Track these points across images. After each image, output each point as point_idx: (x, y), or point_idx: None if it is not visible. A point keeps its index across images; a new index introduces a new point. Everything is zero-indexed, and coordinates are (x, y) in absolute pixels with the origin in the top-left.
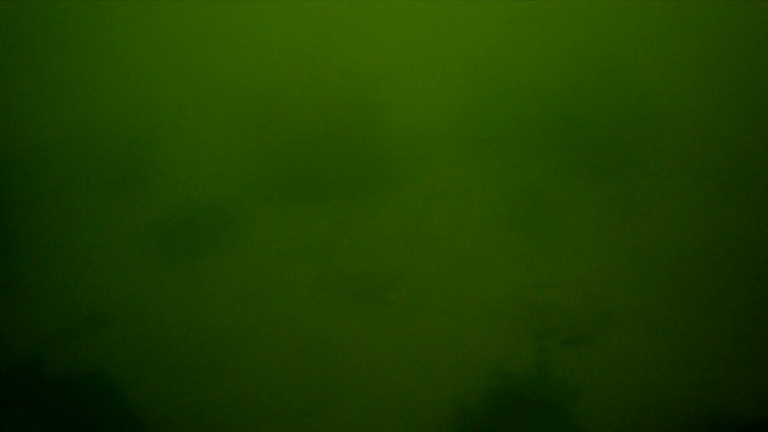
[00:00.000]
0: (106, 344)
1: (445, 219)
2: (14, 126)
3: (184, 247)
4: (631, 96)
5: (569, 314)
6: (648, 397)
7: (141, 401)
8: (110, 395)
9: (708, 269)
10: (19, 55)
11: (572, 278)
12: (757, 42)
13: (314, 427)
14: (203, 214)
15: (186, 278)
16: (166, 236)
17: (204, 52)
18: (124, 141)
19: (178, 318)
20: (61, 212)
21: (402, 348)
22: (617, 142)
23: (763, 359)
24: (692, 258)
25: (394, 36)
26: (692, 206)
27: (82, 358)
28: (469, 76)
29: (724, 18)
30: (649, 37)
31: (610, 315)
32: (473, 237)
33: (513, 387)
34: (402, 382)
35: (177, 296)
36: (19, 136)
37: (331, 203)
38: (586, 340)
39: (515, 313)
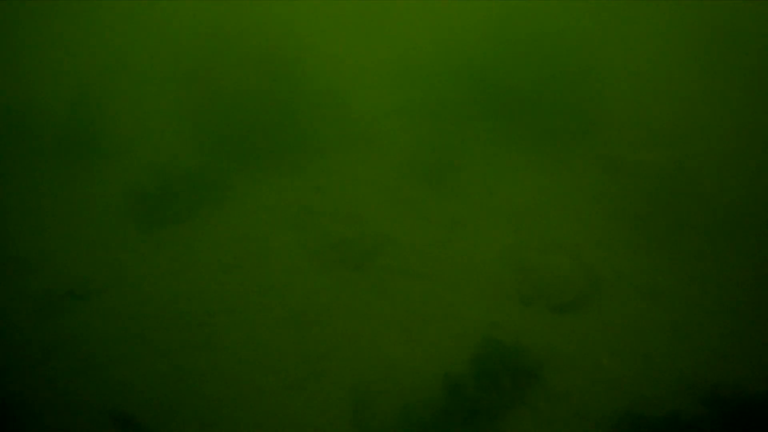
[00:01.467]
0: (85, 320)
1: (424, 181)
2: None
3: (158, 217)
4: (578, 58)
5: (558, 279)
6: (641, 365)
7: (122, 378)
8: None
9: (704, 233)
10: None
11: (561, 241)
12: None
13: (301, 400)
14: (174, 184)
15: (163, 249)
16: (138, 206)
17: (137, 20)
18: (69, 109)
19: (158, 291)
20: (21, 187)
21: (389, 316)
22: (590, 102)
23: (763, 329)
24: (687, 221)
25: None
26: (680, 166)
27: (63, 336)
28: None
29: None
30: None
31: (601, 280)
32: (457, 198)
33: (502, 355)
34: (389, 351)
35: (155, 268)
36: None
37: (304, 166)
38: (577, 307)
39: (503, 278)
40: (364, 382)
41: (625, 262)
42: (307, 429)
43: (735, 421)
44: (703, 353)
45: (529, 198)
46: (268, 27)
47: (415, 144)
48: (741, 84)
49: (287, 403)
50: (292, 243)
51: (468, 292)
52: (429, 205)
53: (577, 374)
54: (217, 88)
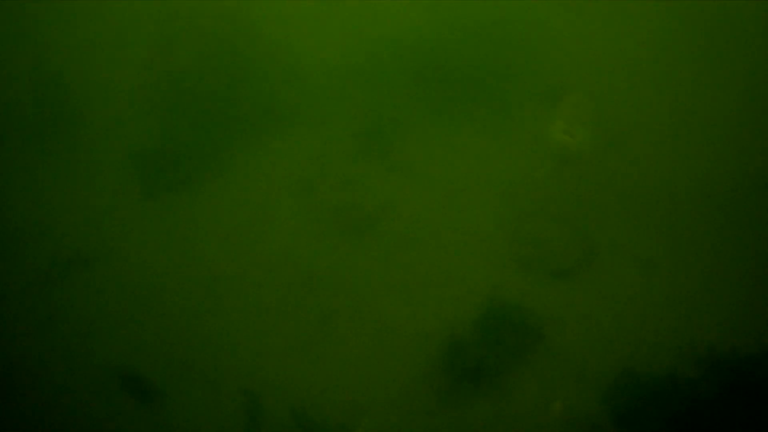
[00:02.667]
0: (91, 285)
1: (421, 148)
2: None
3: (161, 182)
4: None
5: (556, 246)
6: (638, 329)
7: (130, 340)
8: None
9: (697, 203)
10: None
11: (555, 211)
12: None
13: (307, 364)
14: (172, 153)
15: (166, 215)
16: (143, 172)
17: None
18: (56, 78)
19: (163, 256)
20: (19, 155)
21: (393, 280)
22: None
23: (757, 292)
24: (680, 191)
25: None
26: (680, 136)
27: (69, 301)
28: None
29: None
30: None
31: (598, 248)
32: (457, 166)
33: (505, 316)
34: (394, 314)
35: (159, 234)
36: None
37: (301, 132)
38: (575, 273)
39: (503, 243)
40: (369, 343)
41: (620, 232)
42: (312, 389)
43: (730, 383)
44: (699, 319)
45: (523, 167)
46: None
47: (406, 110)
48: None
49: (294, 365)
50: (293, 209)
51: (469, 258)
52: (428, 172)
53: (576, 336)
54: (187, 60)
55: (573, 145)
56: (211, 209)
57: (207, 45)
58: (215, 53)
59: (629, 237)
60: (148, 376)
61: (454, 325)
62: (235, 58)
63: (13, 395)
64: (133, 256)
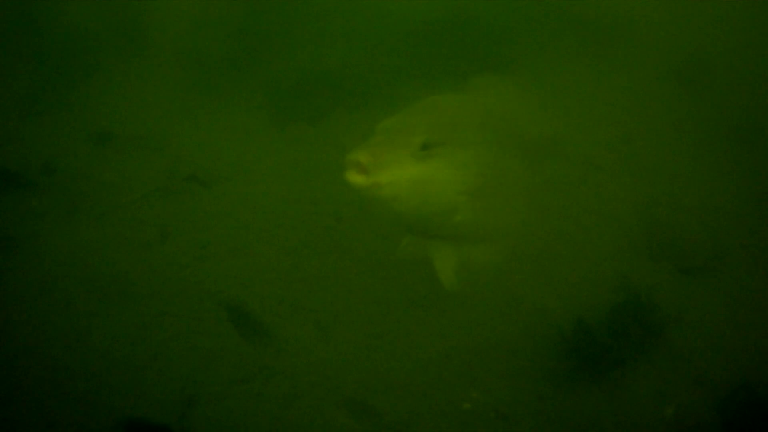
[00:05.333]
0: (206, 206)
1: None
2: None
3: (297, 113)
4: None
5: (687, 241)
6: (759, 343)
7: (241, 270)
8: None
9: None
10: None
11: (692, 203)
12: None
13: (426, 321)
14: (313, 83)
15: (294, 147)
16: (281, 101)
17: None
18: None
19: (285, 187)
20: (152, 64)
21: (522, 248)
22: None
23: None
24: None
25: None
26: None
27: (182, 219)
28: None
29: None
30: None
31: (728, 250)
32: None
33: (635, 307)
34: (519, 285)
35: (284, 165)
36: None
37: (439, 83)
38: (702, 272)
39: (634, 230)
40: (488, 312)
41: (750, 237)
42: (426, 349)
43: None
44: None
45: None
46: None
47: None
48: None
49: (408, 319)
50: None
51: (601, 238)
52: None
53: (697, 338)
54: None
55: None
56: (340, 146)
57: None
58: None
59: (759, 244)
60: (256, 312)
61: (584, 308)
62: None
63: (114, 309)
64: (255, 184)
